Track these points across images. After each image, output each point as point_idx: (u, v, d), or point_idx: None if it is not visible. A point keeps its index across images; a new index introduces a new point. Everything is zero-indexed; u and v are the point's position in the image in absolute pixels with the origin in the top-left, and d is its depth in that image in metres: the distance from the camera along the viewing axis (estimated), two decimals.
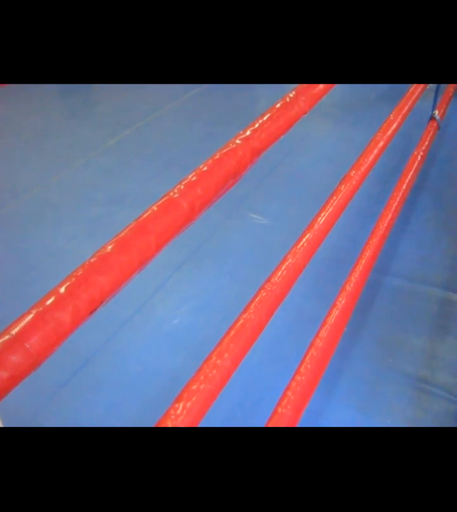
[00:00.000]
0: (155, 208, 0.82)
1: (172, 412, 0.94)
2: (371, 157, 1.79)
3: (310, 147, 3.54)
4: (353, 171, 1.68)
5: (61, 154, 3.65)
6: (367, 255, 1.90)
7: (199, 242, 2.58)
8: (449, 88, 3.54)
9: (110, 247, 0.75)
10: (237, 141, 0.97)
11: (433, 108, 3.10)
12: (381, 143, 1.90)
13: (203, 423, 0.98)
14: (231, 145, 0.96)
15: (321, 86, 1.34)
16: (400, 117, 2.16)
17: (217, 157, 0.93)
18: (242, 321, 1.13)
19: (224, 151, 0.95)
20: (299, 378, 1.38)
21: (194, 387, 0.99)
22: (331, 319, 1.59)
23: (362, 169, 1.72)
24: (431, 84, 3.30)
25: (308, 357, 1.45)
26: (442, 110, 3.17)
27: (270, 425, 1.26)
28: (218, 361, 1.04)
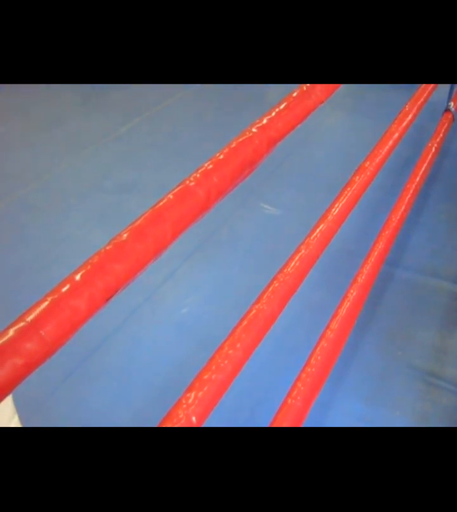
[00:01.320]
0: (171, 196, 0.82)
1: (183, 401, 0.94)
2: (386, 149, 1.77)
3: (322, 136, 3.51)
4: (368, 162, 1.66)
5: (72, 141, 3.64)
6: (379, 247, 1.88)
7: (210, 231, 2.57)
8: None
9: (125, 235, 0.75)
10: (254, 129, 0.95)
11: (449, 100, 3.05)
12: (396, 135, 1.87)
13: (214, 412, 0.98)
14: (247, 133, 0.94)
15: None
16: (415, 108, 2.13)
17: (233, 145, 0.91)
18: (254, 311, 1.13)
19: (240, 140, 0.93)
20: (309, 369, 1.38)
21: (206, 376, 0.99)
22: (342, 311, 1.58)
23: (377, 160, 1.70)
24: None
25: (318, 348, 1.44)
26: None
27: (280, 415, 1.26)
28: (230, 351, 1.04)
